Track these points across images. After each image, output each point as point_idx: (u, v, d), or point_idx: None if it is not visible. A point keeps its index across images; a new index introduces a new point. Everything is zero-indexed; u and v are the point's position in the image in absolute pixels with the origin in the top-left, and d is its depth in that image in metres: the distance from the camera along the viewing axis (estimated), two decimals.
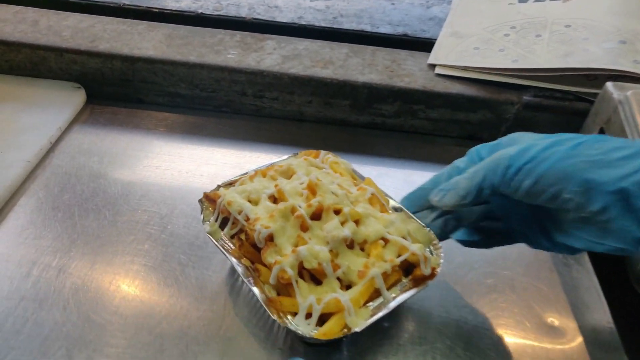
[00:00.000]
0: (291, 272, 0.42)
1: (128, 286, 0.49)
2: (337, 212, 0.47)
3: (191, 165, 0.63)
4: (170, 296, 0.49)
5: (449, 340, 0.48)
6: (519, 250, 0.57)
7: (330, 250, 0.44)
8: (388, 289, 0.44)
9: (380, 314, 0.42)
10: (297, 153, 0.56)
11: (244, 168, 0.62)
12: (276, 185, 0.48)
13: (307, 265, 0.43)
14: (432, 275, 0.45)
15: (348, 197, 0.49)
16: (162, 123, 0.69)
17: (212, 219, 0.48)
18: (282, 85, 0.68)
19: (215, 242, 0.47)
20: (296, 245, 0.44)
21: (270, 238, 0.44)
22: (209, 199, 0.49)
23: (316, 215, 0.46)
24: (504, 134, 0.73)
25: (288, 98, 0.69)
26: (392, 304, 0.43)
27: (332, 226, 0.45)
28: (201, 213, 0.49)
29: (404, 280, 0.45)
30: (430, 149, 0.70)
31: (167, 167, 0.62)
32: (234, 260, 0.45)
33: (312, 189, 0.48)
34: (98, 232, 0.54)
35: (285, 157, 0.56)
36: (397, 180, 0.64)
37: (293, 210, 0.45)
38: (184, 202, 0.57)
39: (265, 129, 0.70)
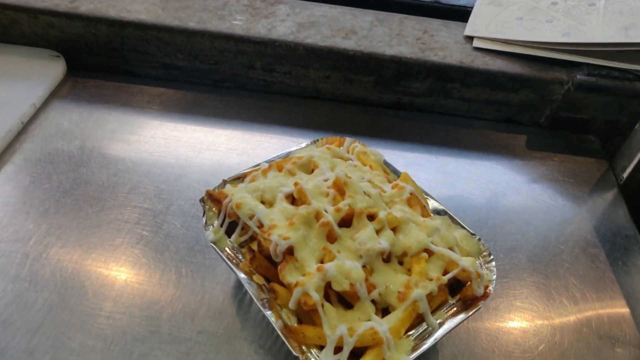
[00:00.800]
0: (316, 297, 0.35)
1: (114, 302, 0.43)
2: (370, 217, 0.40)
3: (190, 152, 0.57)
4: (165, 314, 0.43)
5: None
6: (573, 254, 0.50)
7: (364, 266, 0.38)
8: (433, 312, 0.38)
9: (424, 347, 0.37)
10: (317, 140, 0.49)
11: (252, 155, 0.56)
12: (296, 184, 0.41)
13: (336, 287, 0.37)
14: (485, 295, 0.39)
15: (382, 197, 0.41)
16: (156, 100, 0.64)
17: (217, 223, 0.41)
18: (296, 57, 0.62)
19: (220, 253, 0.40)
20: (321, 260, 0.38)
21: (290, 251, 0.38)
22: (212, 199, 0.41)
23: (345, 221, 0.40)
24: (548, 118, 0.63)
25: (302, 72, 0.64)
26: (439, 333, 0.37)
27: (366, 236, 0.38)
28: (203, 215, 0.42)
29: (451, 300, 0.39)
30: (464, 133, 0.63)
31: (161, 153, 0.56)
32: (243, 276, 0.39)
33: (340, 188, 0.41)
34: (78, 234, 0.48)
35: (302, 143, 0.49)
36: (431, 171, 0.57)
37: (318, 215, 0.39)
38: (182, 197, 0.52)
39: (275, 108, 0.64)
